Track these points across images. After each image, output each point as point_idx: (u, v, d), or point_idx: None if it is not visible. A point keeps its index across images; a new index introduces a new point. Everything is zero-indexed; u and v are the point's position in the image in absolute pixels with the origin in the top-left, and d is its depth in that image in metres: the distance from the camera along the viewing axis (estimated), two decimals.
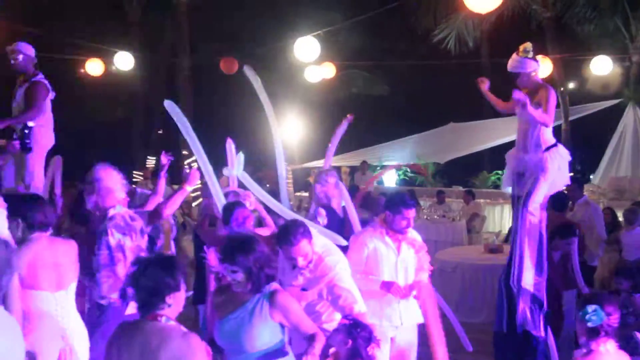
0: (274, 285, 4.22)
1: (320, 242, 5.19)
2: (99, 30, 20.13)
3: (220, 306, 4.30)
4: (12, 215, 4.59)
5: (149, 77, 23.44)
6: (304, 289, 5.06)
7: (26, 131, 7.42)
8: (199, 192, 18.05)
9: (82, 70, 16.34)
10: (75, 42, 17.59)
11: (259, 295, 4.17)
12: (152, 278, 3.65)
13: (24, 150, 7.38)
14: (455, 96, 22.65)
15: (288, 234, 4.95)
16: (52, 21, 19.13)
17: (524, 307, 6.36)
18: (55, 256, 4.68)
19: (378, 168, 21.53)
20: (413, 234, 5.91)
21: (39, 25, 17.26)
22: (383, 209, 5.89)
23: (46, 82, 7.92)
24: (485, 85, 6.80)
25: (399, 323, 5.70)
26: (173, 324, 3.62)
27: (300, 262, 4.94)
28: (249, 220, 6.10)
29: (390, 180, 23.29)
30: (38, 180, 7.75)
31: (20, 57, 7.97)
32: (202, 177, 6.51)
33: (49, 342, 4.52)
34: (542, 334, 6.39)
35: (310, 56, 13.16)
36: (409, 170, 21.74)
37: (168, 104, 6.31)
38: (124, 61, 15.79)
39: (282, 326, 4.21)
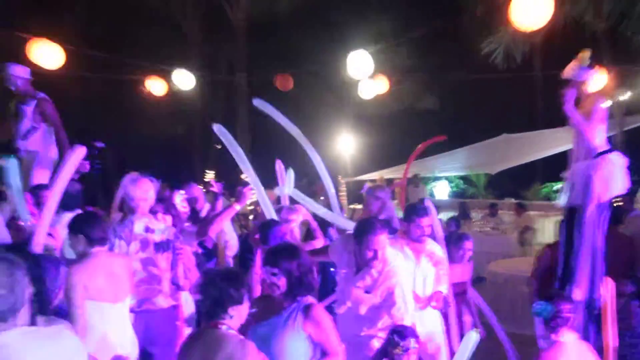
0: (311, 299, 4.23)
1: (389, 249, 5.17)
2: (161, 51, 20.38)
3: (258, 313, 4.31)
4: (74, 231, 4.84)
5: (208, 94, 23.69)
6: (367, 292, 5.03)
7: (95, 152, 7.59)
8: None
9: (146, 89, 16.52)
10: (139, 63, 17.84)
11: (295, 306, 4.17)
12: (217, 289, 3.74)
13: (93, 170, 7.52)
14: (506, 108, 22.41)
15: (371, 224, 5.03)
16: (116, 43, 19.45)
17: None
18: (113, 269, 4.78)
19: (431, 180, 21.39)
20: (432, 246, 5.96)
21: (105, 48, 17.59)
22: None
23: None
24: (568, 100, 6.45)
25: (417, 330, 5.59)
26: (233, 332, 3.71)
27: (379, 255, 4.94)
28: (286, 237, 6.05)
29: (442, 192, 23.13)
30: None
31: (19, 81, 8.14)
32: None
33: (110, 352, 4.58)
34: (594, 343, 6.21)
35: (363, 71, 13.06)
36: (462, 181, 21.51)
37: (217, 128, 6.43)
38: (185, 80, 15.93)
39: (313, 344, 4.18)
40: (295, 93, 17.18)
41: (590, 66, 6.08)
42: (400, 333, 4.89)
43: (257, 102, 6.54)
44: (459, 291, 6.55)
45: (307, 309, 4.16)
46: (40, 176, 7.94)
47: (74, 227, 4.89)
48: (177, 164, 24.71)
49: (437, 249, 5.97)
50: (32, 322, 3.14)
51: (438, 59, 22.15)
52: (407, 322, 4.95)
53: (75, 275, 4.54)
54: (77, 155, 5.50)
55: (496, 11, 11.90)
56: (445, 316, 6.23)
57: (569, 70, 6.16)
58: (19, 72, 8.20)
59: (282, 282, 4.20)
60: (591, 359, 4.77)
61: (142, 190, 5.75)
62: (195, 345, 3.76)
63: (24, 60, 12.29)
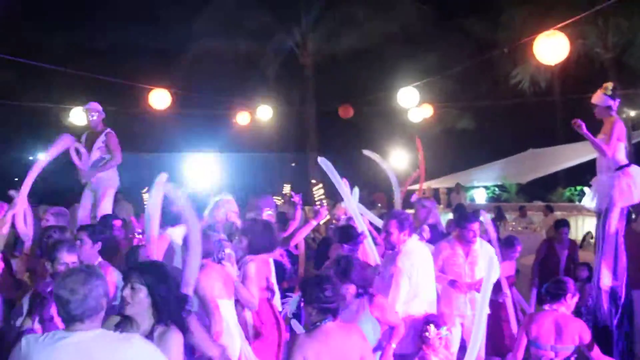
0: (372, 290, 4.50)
1: (411, 246, 5.15)
2: (244, 87, 20.66)
3: None
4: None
5: (284, 122, 23.88)
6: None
7: None
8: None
9: (234, 121, 16.85)
10: (226, 100, 18.13)
11: (361, 297, 4.44)
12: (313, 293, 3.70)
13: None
14: (531, 127, 22.09)
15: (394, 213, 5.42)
16: (205, 84, 19.77)
17: (603, 305, 6.02)
18: (224, 274, 4.66)
19: (470, 189, 21.13)
20: (483, 244, 5.98)
21: (199, 90, 17.93)
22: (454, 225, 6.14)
23: None
24: (582, 127, 6.24)
25: (466, 313, 5.76)
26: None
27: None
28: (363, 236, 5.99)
29: (480, 197, 22.82)
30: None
31: (96, 115, 7.89)
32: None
33: (238, 343, 4.52)
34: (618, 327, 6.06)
35: (411, 103, 13.10)
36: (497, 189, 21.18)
37: (322, 161, 6.25)
38: (265, 112, 16.20)
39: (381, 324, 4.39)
40: (355, 119, 17.23)
41: (612, 95, 5.93)
42: (435, 322, 4.94)
43: (322, 161, 6.30)
44: (510, 283, 6.58)
45: (371, 297, 4.45)
46: (108, 200, 7.83)
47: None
48: (259, 178, 24.98)
49: (488, 247, 6.01)
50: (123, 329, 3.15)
51: (474, 87, 21.91)
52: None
53: (204, 279, 4.41)
54: None
55: (522, 47, 11.73)
56: (503, 304, 6.33)
57: (594, 97, 6.07)
58: (97, 107, 7.96)
59: (353, 290, 4.46)
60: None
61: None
62: None
63: (145, 104, 12.70)
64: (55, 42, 20.84)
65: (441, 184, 19.94)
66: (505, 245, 6.73)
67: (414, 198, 8.13)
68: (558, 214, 15.50)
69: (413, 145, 23.42)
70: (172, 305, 3.20)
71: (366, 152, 6.56)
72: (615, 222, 5.93)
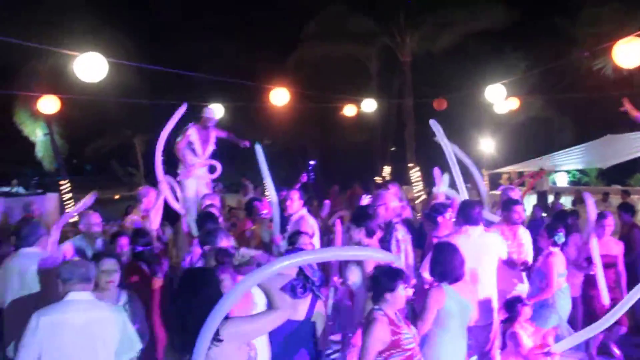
0: None
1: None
2: (350, 83, 21.31)
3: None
4: (357, 224, 4.88)
5: (384, 113, 24.43)
6: None
7: (310, 167, 8.18)
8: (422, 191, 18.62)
9: (341, 113, 17.51)
10: (334, 95, 18.83)
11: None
12: (376, 279, 3.71)
13: (309, 180, 7.88)
14: (609, 115, 21.40)
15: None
16: (318, 82, 20.55)
17: None
18: None
19: (553, 172, 20.88)
20: (523, 231, 5.84)
21: (311, 88, 18.74)
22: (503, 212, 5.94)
23: None
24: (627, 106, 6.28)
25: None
26: (381, 313, 3.63)
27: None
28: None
29: (562, 181, 22.49)
30: (192, 205, 7.97)
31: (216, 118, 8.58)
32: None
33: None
34: None
35: (498, 97, 13.26)
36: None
37: (432, 123, 6.44)
38: (369, 105, 16.78)
39: None
40: (448, 110, 17.47)
41: None
42: (521, 299, 5.07)
43: (432, 123, 6.53)
44: (607, 262, 6.24)
45: None
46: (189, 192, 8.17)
47: (357, 220, 4.90)
48: (363, 162, 25.68)
49: (525, 234, 5.83)
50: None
51: (556, 79, 21.53)
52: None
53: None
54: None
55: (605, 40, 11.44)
56: (594, 279, 6.12)
57: None
58: (214, 112, 8.68)
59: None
60: None
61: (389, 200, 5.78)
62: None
63: (266, 101, 13.58)
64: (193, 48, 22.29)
65: (525, 167, 19.87)
66: (597, 221, 6.29)
67: (500, 188, 8.10)
68: (636, 198, 15.30)
69: (499, 133, 23.51)
70: None
71: (432, 122, 6.58)
72: None
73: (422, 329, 4.04)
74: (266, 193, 6.25)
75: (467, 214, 5.24)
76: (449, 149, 6.49)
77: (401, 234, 5.49)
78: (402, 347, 3.56)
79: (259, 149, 6.11)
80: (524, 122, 23.29)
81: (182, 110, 7.51)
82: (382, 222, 5.39)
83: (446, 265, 4.25)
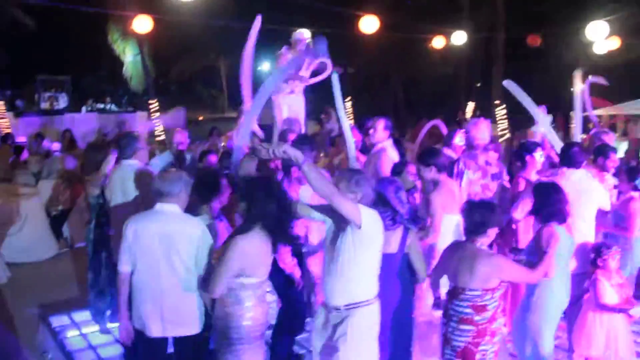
0: None
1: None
2: (441, 15, 20.60)
3: None
4: (425, 163, 4.80)
5: (473, 46, 23.58)
6: None
7: None
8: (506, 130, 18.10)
9: (430, 45, 17.07)
10: (423, 26, 18.25)
11: None
12: (480, 214, 3.62)
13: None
14: None
15: None
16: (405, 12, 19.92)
17: None
18: (455, 190, 4.99)
19: None
20: (610, 177, 5.72)
21: (397, 16, 18.22)
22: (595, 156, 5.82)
23: None
24: None
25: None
26: (484, 248, 3.63)
27: None
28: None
29: None
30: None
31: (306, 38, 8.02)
32: None
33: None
34: None
35: (599, 36, 12.49)
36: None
37: (507, 83, 6.14)
38: (459, 38, 16.25)
39: None
40: (543, 49, 16.62)
41: None
42: (607, 245, 4.69)
43: (507, 83, 6.18)
44: None
45: None
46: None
47: (425, 160, 4.82)
48: (447, 97, 25.16)
49: (611, 178, 5.72)
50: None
51: None
52: None
53: (437, 197, 4.64)
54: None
55: None
56: None
57: None
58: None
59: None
60: None
61: (481, 131, 5.69)
62: (455, 253, 3.69)
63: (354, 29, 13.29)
64: None
65: (619, 111, 18.74)
66: None
67: (593, 131, 7.78)
68: None
69: (596, 72, 22.16)
70: None
71: (506, 82, 6.25)
72: None
73: (548, 270, 3.85)
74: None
75: (567, 156, 5.09)
76: (535, 110, 6.23)
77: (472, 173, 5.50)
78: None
79: (335, 78, 5.78)
80: (623, 63, 21.87)
81: (257, 24, 7.03)
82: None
83: (553, 205, 4.14)
